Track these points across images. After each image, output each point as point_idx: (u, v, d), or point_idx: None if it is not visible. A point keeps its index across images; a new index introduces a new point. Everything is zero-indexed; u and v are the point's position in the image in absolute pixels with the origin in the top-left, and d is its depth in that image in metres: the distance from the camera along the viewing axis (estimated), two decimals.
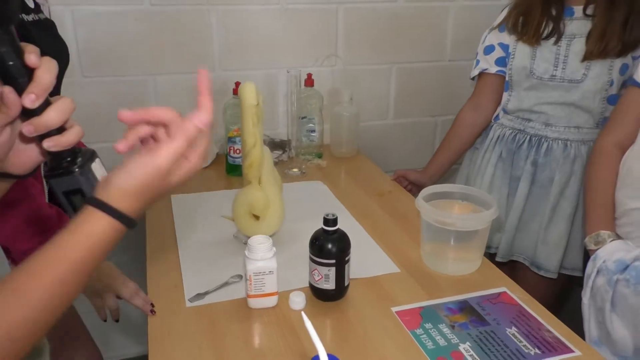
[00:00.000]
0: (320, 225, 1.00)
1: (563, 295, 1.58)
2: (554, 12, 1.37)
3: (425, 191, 1.19)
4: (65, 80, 1.20)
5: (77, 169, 0.59)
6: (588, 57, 1.33)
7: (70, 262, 0.55)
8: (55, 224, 1.02)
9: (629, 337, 1.06)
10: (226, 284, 1.08)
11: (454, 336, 0.94)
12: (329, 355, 0.71)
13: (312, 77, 1.73)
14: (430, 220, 1.12)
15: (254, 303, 1.00)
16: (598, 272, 1.11)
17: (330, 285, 1.00)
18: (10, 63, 0.53)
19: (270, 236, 1.01)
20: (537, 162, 1.43)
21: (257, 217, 1.20)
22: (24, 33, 1.00)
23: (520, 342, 0.93)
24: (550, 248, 1.43)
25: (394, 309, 1.01)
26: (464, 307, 1.02)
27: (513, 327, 0.96)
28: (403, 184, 1.61)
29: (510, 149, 1.47)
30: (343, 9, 1.81)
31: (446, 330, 0.95)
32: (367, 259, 1.17)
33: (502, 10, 1.49)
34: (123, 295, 1.06)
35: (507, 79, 1.45)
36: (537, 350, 0.90)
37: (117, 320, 1.11)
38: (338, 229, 1.00)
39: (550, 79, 1.38)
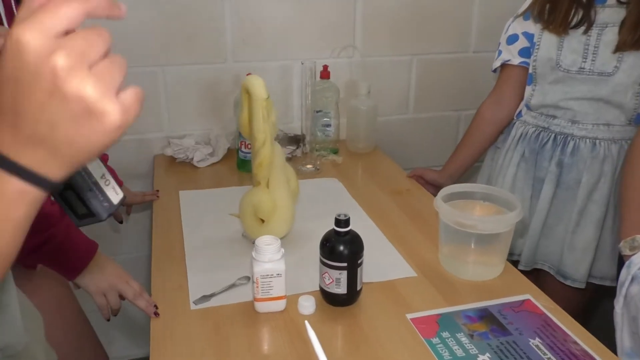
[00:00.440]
0: (333, 225, 0.98)
1: (591, 306, 1.54)
2: None
3: (445, 191, 1.16)
4: None
5: None
6: (621, 47, 1.28)
7: None
8: (58, 221, 1.02)
9: None
10: (233, 285, 1.07)
11: (473, 346, 0.91)
12: None
13: (328, 68, 1.71)
14: (449, 221, 1.10)
15: (261, 307, 0.98)
16: (633, 279, 1.07)
17: (342, 289, 0.98)
18: None
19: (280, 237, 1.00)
20: (562, 163, 1.38)
21: (263, 220, 1.19)
22: None
23: (545, 354, 0.90)
24: (577, 255, 1.39)
25: (409, 316, 0.99)
26: (484, 315, 0.99)
27: (537, 338, 0.93)
28: (420, 184, 1.58)
29: (533, 148, 1.43)
30: None
31: (464, 339, 0.93)
32: (382, 261, 1.15)
33: None
34: (127, 295, 1.06)
35: (530, 71, 1.41)
36: None
37: (115, 315, 1.11)
38: (350, 230, 0.98)
39: (579, 72, 1.33)
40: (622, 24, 1.28)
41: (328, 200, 1.43)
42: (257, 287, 0.96)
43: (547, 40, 1.36)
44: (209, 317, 0.98)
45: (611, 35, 1.30)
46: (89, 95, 0.40)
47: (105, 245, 1.79)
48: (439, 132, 2.02)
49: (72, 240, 1.03)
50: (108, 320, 1.12)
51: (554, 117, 1.40)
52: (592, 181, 1.36)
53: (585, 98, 1.34)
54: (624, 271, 1.10)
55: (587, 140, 1.36)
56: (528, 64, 1.42)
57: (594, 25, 1.31)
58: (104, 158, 0.60)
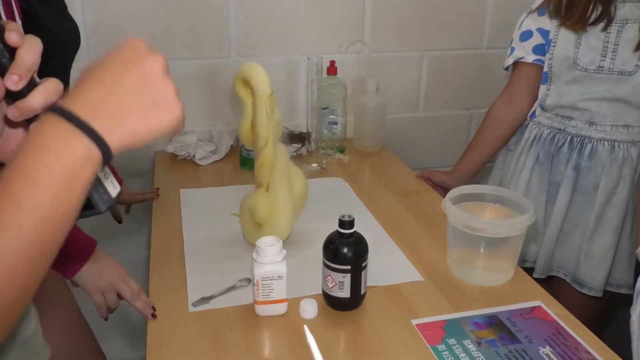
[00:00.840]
0: (337, 226, 0.98)
1: (606, 314, 1.53)
2: None
3: (454, 192, 1.16)
4: (73, 65, 1.21)
5: None
6: None
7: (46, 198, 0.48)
8: None
9: None
10: (233, 287, 1.07)
11: (480, 354, 0.91)
12: None
13: (336, 64, 1.71)
14: (457, 224, 1.10)
15: (262, 310, 0.99)
16: None
17: (345, 293, 0.98)
18: None
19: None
20: (579, 166, 1.38)
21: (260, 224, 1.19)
22: (30, 12, 1.00)
23: None
24: (594, 263, 1.38)
25: (415, 322, 0.99)
26: (493, 322, 0.99)
27: (547, 347, 0.93)
28: (428, 185, 1.58)
29: (548, 151, 1.42)
30: None
31: (471, 347, 0.93)
32: (387, 265, 1.15)
33: None
34: (124, 295, 1.06)
35: (545, 69, 1.40)
36: None
37: (111, 312, 1.12)
38: (355, 231, 0.98)
39: (597, 71, 1.32)
40: None
41: (333, 201, 1.43)
42: (258, 289, 0.97)
43: (563, 38, 1.35)
44: (208, 319, 0.99)
45: (632, 33, 1.29)
46: (173, 90, 0.54)
47: (104, 244, 1.80)
48: (450, 132, 2.02)
49: (70, 236, 1.03)
50: (106, 319, 1.12)
51: (571, 118, 1.39)
52: (610, 186, 1.35)
53: (604, 98, 1.34)
54: None
55: (606, 142, 1.35)
56: (542, 61, 1.40)
57: (614, 21, 1.30)
58: None
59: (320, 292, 1.03)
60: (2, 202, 0.47)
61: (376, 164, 1.72)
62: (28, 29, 0.96)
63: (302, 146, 1.72)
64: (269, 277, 0.96)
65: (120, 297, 1.08)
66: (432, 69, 1.92)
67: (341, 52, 1.82)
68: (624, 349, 1.05)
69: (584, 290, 1.40)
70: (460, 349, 0.92)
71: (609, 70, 1.31)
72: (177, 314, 1.00)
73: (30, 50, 0.54)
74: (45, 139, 0.49)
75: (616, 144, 1.35)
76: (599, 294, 1.40)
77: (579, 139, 1.38)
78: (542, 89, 1.43)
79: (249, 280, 1.08)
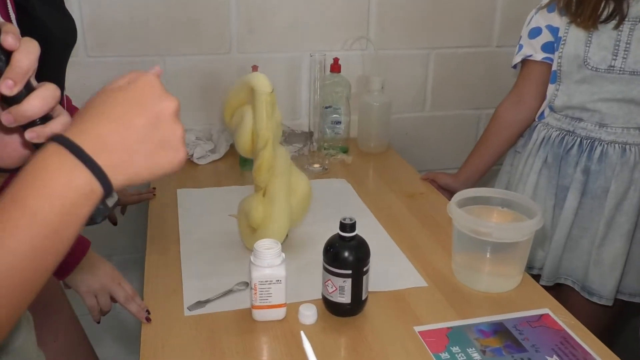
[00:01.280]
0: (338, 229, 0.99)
1: (618, 324, 1.53)
2: None
3: (460, 195, 1.16)
4: (69, 61, 1.21)
5: None
6: None
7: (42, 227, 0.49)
8: None
9: None
10: (230, 291, 1.07)
11: None
12: None
13: (339, 62, 1.71)
14: (463, 228, 1.10)
15: (259, 315, 0.99)
16: None
17: (346, 298, 0.99)
18: None
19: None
20: (589, 170, 1.37)
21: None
22: (26, 7, 1.01)
23: None
24: (604, 270, 1.38)
25: (418, 329, 0.99)
26: (499, 329, 0.99)
27: (554, 356, 0.93)
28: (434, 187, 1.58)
29: (557, 153, 1.41)
30: None
31: (476, 355, 0.93)
32: (390, 269, 1.15)
33: None
34: (118, 298, 1.07)
35: (554, 68, 1.40)
36: None
37: (104, 315, 1.12)
38: (356, 235, 0.99)
39: (608, 70, 1.32)
40: None
41: (335, 203, 1.43)
42: (255, 293, 0.97)
43: (574, 35, 1.35)
44: (204, 324, 0.99)
45: None
46: (180, 134, 0.57)
47: (98, 246, 1.80)
48: (458, 132, 2.02)
49: None
50: (98, 322, 1.13)
51: (580, 119, 1.39)
52: (621, 190, 1.35)
53: (615, 99, 1.33)
54: None
55: (616, 145, 1.35)
56: (551, 60, 1.40)
57: (626, 19, 1.30)
58: None
59: (320, 297, 1.03)
60: None
61: (380, 165, 1.72)
62: (23, 24, 0.97)
63: (304, 146, 1.72)
64: (267, 281, 0.96)
65: (113, 300, 1.09)
66: (439, 67, 1.93)
67: (345, 49, 1.82)
68: None
69: (594, 299, 1.40)
70: (465, 357, 0.92)
71: (620, 70, 1.31)
72: (173, 318, 1.01)
73: (26, 54, 0.54)
74: (49, 170, 0.50)
75: (627, 146, 1.35)
76: (610, 303, 1.39)
77: (588, 141, 1.38)
78: (551, 88, 1.43)
79: (246, 284, 1.08)
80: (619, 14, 1.30)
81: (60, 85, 1.17)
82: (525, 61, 1.47)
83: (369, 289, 1.02)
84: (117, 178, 0.53)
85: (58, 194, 0.50)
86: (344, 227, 0.98)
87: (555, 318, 1.02)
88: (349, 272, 0.97)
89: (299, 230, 1.27)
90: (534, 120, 1.49)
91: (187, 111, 1.76)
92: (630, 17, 1.30)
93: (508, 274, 1.12)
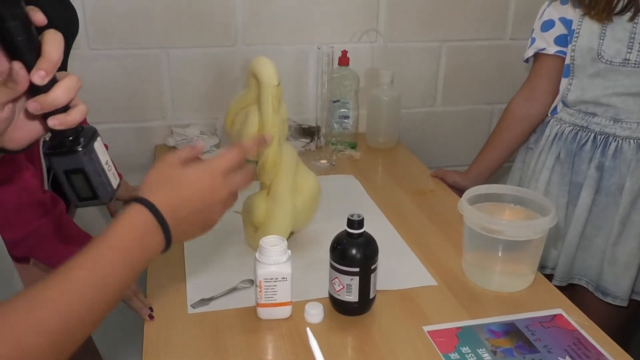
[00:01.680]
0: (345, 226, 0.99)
1: (633, 325, 1.53)
2: None
3: (471, 192, 1.16)
4: (70, 52, 1.23)
5: (80, 149, 0.64)
6: None
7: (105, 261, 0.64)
8: (49, 211, 1.05)
9: None
10: (235, 289, 1.08)
11: None
12: None
13: (348, 54, 1.72)
14: (474, 226, 1.10)
15: (264, 313, 1.00)
16: None
17: (353, 297, 0.99)
18: (20, 38, 0.57)
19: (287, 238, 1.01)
20: (603, 166, 1.37)
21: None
22: None
23: None
24: (619, 269, 1.38)
25: (427, 328, 0.99)
26: (510, 330, 0.99)
27: (567, 357, 0.93)
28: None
29: (570, 149, 1.42)
30: None
31: (486, 356, 0.93)
32: (399, 268, 1.16)
33: None
34: None
35: (567, 62, 1.40)
36: None
37: None
38: (364, 231, 0.99)
39: (623, 64, 1.32)
40: None
41: (343, 199, 1.44)
42: (260, 291, 0.98)
43: (587, 28, 1.34)
44: (207, 322, 1.00)
45: None
46: (216, 220, 0.77)
47: None
48: (470, 128, 2.02)
49: (63, 230, 1.05)
50: None
51: (594, 114, 1.39)
52: (636, 187, 1.35)
53: (630, 93, 1.33)
54: None
55: (631, 140, 1.35)
56: (565, 53, 1.40)
57: None
58: (105, 147, 0.68)
59: (327, 295, 1.04)
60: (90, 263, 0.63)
61: (389, 161, 1.72)
62: None
63: (311, 141, 1.73)
64: (272, 279, 0.97)
65: None
66: (451, 61, 1.93)
67: (354, 41, 1.82)
68: None
69: (608, 299, 1.40)
70: (475, 358, 0.93)
71: (635, 64, 1.31)
72: (176, 315, 1.02)
73: (56, 46, 0.59)
74: (142, 236, 0.67)
75: None
76: (624, 303, 1.39)
77: (602, 136, 1.38)
78: (564, 83, 1.43)
79: (251, 282, 1.09)
80: (634, 6, 1.30)
81: None
82: (537, 55, 1.47)
83: (377, 288, 1.03)
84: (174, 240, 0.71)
85: (143, 252, 0.67)
86: (351, 223, 0.98)
87: (569, 318, 1.02)
88: (357, 270, 0.98)
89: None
90: (547, 115, 1.49)
91: (191, 104, 1.77)
92: None
93: (520, 273, 1.12)
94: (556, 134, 1.44)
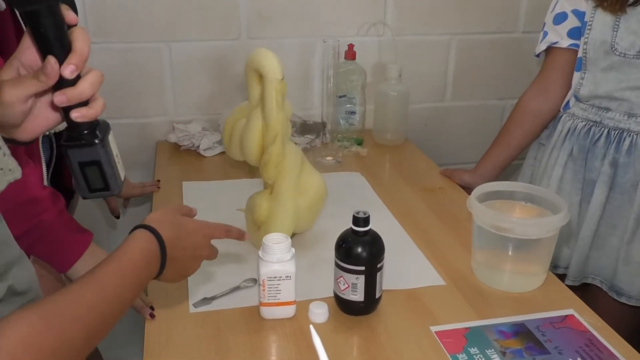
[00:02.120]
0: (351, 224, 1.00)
1: None
2: None
3: (481, 189, 1.17)
4: None
5: (98, 141, 0.68)
6: None
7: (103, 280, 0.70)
8: (49, 207, 1.05)
9: None
10: (237, 288, 1.09)
11: None
12: None
13: (354, 48, 1.72)
14: (483, 224, 1.11)
15: (268, 312, 1.01)
16: None
17: (358, 296, 1.00)
18: (54, 34, 0.62)
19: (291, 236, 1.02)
20: (617, 162, 1.38)
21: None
22: None
23: None
24: (634, 268, 1.38)
25: (434, 329, 1.00)
26: (520, 330, 1.00)
27: (578, 358, 0.94)
28: None
29: (583, 145, 1.42)
30: None
31: (495, 357, 0.94)
32: (406, 267, 1.17)
33: None
34: None
35: (580, 55, 1.40)
36: None
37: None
38: (370, 229, 1.00)
39: (637, 56, 1.32)
40: None
41: (348, 197, 1.44)
42: (264, 290, 0.99)
43: (600, 20, 1.35)
44: (210, 321, 1.01)
45: None
46: (190, 274, 0.89)
47: (101, 241, 1.82)
48: (480, 124, 2.02)
49: (63, 228, 1.07)
50: None
51: (608, 109, 1.39)
52: None
53: None
54: None
55: None
56: (578, 46, 1.41)
57: None
58: None
59: (332, 294, 1.05)
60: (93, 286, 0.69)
61: (397, 158, 1.73)
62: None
63: (316, 137, 1.74)
64: (276, 277, 0.98)
65: None
66: (461, 55, 1.93)
67: (361, 34, 1.83)
68: None
69: (622, 299, 1.40)
70: (483, 359, 0.93)
71: None
72: (177, 314, 1.03)
73: (86, 43, 0.64)
74: (149, 259, 0.78)
75: None
76: (639, 304, 1.40)
77: (616, 132, 1.38)
78: (576, 77, 1.43)
79: (254, 281, 1.10)
80: None
81: None
82: (550, 49, 1.47)
83: (383, 287, 1.04)
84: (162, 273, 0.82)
85: (147, 272, 0.78)
86: (357, 221, 0.99)
87: (580, 319, 1.03)
88: (362, 268, 0.99)
89: None
90: (559, 110, 1.50)
91: (193, 100, 1.78)
92: None
93: (531, 272, 1.13)
94: (569, 130, 1.45)
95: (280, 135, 1.13)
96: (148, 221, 0.81)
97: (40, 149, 1.15)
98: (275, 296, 0.99)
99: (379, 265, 1.00)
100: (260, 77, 1.14)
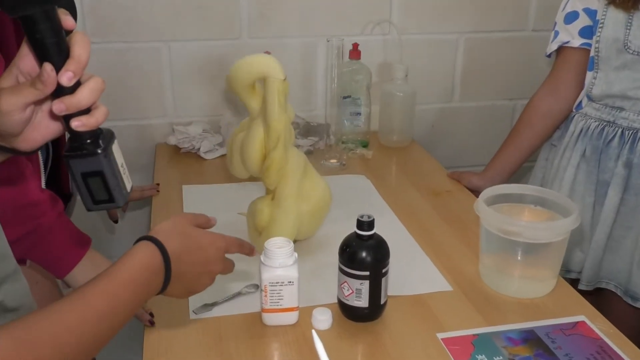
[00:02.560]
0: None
1: None
2: None
3: (489, 192, 1.18)
4: None
5: (100, 151, 0.67)
6: None
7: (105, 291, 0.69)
8: (47, 210, 1.06)
9: None
10: (239, 294, 1.10)
11: None
12: None
13: (359, 47, 1.73)
14: (491, 228, 1.11)
15: (270, 319, 1.02)
16: None
17: (363, 302, 1.01)
18: (51, 40, 0.61)
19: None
20: (631, 163, 1.38)
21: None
22: None
23: None
24: None
25: (441, 335, 1.01)
26: (529, 337, 1.01)
27: None
28: None
29: (596, 146, 1.43)
30: None
31: None
32: (412, 272, 1.17)
33: None
34: None
35: (592, 54, 1.41)
36: None
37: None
38: (375, 233, 1.01)
39: None
40: None
41: (353, 201, 1.45)
42: (266, 296, 1.00)
43: (612, 18, 1.35)
44: (210, 328, 1.02)
45: None
46: (200, 290, 0.86)
47: (99, 246, 1.83)
48: (489, 125, 2.03)
49: (62, 232, 1.07)
50: None
51: (621, 109, 1.40)
52: None
53: None
54: None
55: None
56: (590, 45, 1.41)
57: None
58: None
59: (336, 300, 1.05)
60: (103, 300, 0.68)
61: (403, 161, 1.74)
62: None
63: (320, 139, 1.75)
64: (278, 282, 0.99)
65: None
66: (470, 54, 1.94)
67: (365, 33, 1.84)
68: None
69: (638, 304, 1.41)
70: None
71: None
72: (177, 321, 1.04)
73: (85, 48, 0.63)
74: (150, 274, 0.75)
75: None
76: None
77: (630, 132, 1.38)
78: (589, 76, 1.44)
79: (256, 287, 1.11)
80: None
81: None
82: (561, 48, 1.48)
83: (389, 293, 1.05)
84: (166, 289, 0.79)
85: (148, 291, 0.76)
86: (361, 225, 1.00)
87: (592, 326, 1.03)
88: (367, 273, 0.99)
89: None
90: (571, 111, 1.50)
91: (193, 101, 1.80)
92: None
93: (541, 277, 1.13)
94: (581, 130, 1.45)
95: (282, 139, 1.14)
96: (155, 232, 0.78)
97: (39, 152, 1.16)
98: (278, 302, 1.00)
99: (384, 270, 1.01)
100: (253, 88, 1.15)
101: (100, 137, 0.68)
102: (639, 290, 1.41)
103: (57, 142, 1.19)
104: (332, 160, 1.67)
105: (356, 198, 1.48)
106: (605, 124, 1.42)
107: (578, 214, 1.10)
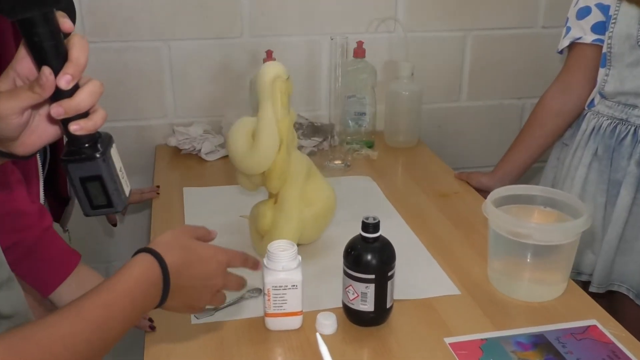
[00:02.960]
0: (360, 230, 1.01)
1: None
2: None
3: (497, 193, 1.18)
4: None
5: (99, 155, 0.67)
6: None
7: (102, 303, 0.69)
8: (34, 224, 1.05)
9: None
10: (241, 298, 1.11)
11: None
12: None
13: (364, 45, 1.74)
14: (500, 230, 1.12)
15: (273, 324, 1.02)
16: None
17: (368, 306, 1.01)
18: (49, 44, 0.62)
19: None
20: None
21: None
22: None
23: None
24: None
25: (448, 340, 1.01)
26: (539, 342, 1.01)
27: None
28: None
29: (608, 144, 1.43)
30: None
31: None
32: (418, 275, 1.18)
33: None
34: None
35: (604, 50, 1.41)
36: None
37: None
38: (380, 235, 1.01)
39: None
40: None
41: (358, 203, 1.46)
42: (269, 300, 1.00)
43: (625, 13, 1.36)
44: (213, 333, 1.03)
45: None
46: (201, 308, 0.85)
47: (98, 250, 1.84)
48: (498, 125, 2.03)
49: (48, 248, 1.06)
50: None
51: (634, 106, 1.40)
52: None
53: None
54: None
55: None
56: (603, 42, 1.42)
57: None
58: None
59: (340, 304, 1.06)
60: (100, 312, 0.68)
61: (410, 161, 1.74)
62: None
63: (324, 140, 1.75)
64: (281, 286, 0.99)
65: None
66: (477, 52, 1.94)
67: (370, 31, 1.85)
68: None
69: None
70: None
71: None
72: (179, 326, 1.04)
73: (83, 51, 0.64)
74: (148, 287, 0.75)
75: None
76: None
77: None
78: (601, 73, 1.44)
79: (259, 291, 1.12)
80: None
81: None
82: (573, 45, 1.48)
83: (395, 297, 1.05)
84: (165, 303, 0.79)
85: (145, 303, 0.75)
86: (366, 227, 1.01)
87: (604, 330, 1.04)
88: (372, 277, 1.00)
89: None
90: (583, 109, 1.51)
91: (194, 101, 1.81)
92: None
93: (551, 280, 1.14)
94: (593, 128, 1.46)
95: (284, 143, 1.15)
96: (155, 244, 0.79)
97: (39, 161, 1.16)
98: (281, 306, 1.01)
99: (389, 274, 1.01)
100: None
101: (99, 141, 0.68)
102: None
103: (54, 146, 1.18)
104: (337, 161, 1.67)
105: (361, 200, 1.49)
106: (617, 121, 1.43)
107: (589, 215, 1.10)
